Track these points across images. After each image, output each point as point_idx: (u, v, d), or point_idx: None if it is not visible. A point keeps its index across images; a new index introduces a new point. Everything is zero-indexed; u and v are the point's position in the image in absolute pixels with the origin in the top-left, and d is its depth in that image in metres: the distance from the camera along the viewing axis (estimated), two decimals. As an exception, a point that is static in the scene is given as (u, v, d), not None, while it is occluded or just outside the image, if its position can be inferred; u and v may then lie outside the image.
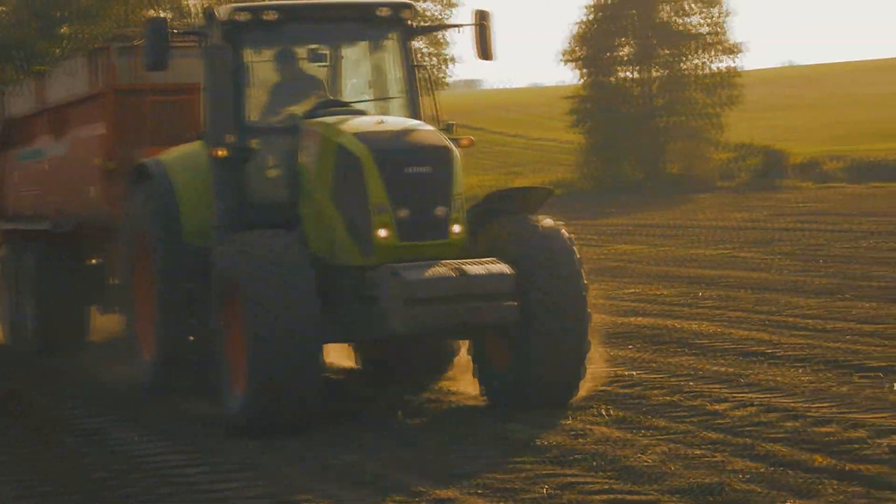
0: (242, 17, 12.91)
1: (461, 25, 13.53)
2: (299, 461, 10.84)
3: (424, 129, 12.43)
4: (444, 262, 11.77)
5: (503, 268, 11.86)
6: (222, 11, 13.06)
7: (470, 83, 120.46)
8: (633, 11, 50.67)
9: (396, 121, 12.77)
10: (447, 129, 13.00)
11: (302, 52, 13.47)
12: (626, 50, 51.12)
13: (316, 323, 11.58)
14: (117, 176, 15.28)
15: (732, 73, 50.22)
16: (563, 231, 12.54)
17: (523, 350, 12.17)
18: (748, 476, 9.58)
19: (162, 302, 13.41)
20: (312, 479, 10.23)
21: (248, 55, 13.10)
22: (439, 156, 12.11)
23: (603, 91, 50.83)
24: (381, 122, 12.56)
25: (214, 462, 11.00)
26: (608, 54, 50.98)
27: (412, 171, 11.99)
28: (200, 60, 13.31)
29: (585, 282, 12.36)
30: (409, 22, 13.35)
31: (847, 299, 18.55)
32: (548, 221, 12.58)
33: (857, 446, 10.31)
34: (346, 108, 13.04)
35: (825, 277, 21.17)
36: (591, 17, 51.43)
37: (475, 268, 11.75)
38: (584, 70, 51.36)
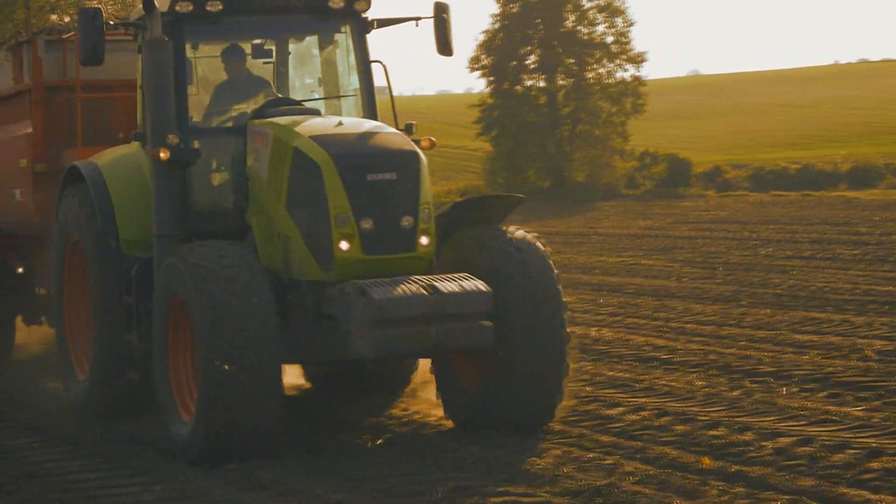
0: (184, 7, 11.91)
1: (420, 18, 12.56)
2: (197, 466, 10.77)
3: (388, 132, 11.48)
4: (413, 277, 10.80)
5: (479, 284, 10.84)
6: (162, 1, 11.96)
7: (379, 90, 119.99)
8: (539, 21, 51.01)
9: (356, 122, 11.77)
10: (407, 129, 12.12)
11: (248, 46, 12.51)
12: (533, 59, 51.45)
13: (275, 343, 10.57)
14: (46, 179, 14.55)
15: (637, 83, 50.70)
16: (539, 244, 11.66)
17: (496, 371, 11.22)
18: (638, 478, 9.76)
19: (98, 316, 12.46)
20: (210, 484, 10.22)
21: (191, 49, 12.19)
22: (405, 161, 11.13)
23: (509, 99, 51.08)
24: (340, 123, 11.50)
25: (111, 467, 10.97)
26: (514, 63, 51.27)
27: (376, 178, 10.98)
28: (137, 55, 12.57)
29: (565, 299, 11.51)
30: (365, 14, 12.41)
31: (743, 306, 18.85)
32: (520, 233, 11.70)
33: (743, 448, 10.55)
34: (299, 108, 12.04)
35: (724, 285, 21.49)
36: (497, 25, 51.71)
37: (448, 284, 10.74)
38: (491, 78, 51.63)
